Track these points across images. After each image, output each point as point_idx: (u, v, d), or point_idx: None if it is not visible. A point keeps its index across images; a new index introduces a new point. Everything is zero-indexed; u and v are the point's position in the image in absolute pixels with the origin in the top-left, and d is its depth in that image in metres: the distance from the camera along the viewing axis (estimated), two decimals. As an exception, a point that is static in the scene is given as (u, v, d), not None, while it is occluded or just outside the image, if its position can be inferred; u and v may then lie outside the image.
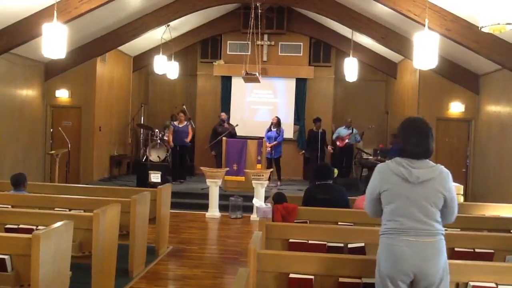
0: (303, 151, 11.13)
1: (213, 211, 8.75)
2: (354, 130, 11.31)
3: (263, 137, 10.69)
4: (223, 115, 11.42)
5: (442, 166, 2.93)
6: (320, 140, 10.75)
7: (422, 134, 2.89)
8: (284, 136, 11.24)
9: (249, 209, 8.49)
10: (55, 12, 6.08)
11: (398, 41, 9.36)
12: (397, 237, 2.84)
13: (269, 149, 10.63)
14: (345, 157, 11.31)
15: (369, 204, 3.06)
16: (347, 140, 11.22)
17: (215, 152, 11.00)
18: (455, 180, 7.10)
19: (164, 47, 11.35)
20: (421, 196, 2.83)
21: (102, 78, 10.98)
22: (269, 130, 10.94)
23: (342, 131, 11.36)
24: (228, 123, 11.34)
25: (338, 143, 11.30)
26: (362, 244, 4.00)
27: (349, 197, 5.24)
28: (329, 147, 11.10)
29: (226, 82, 12.86)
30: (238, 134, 11.31)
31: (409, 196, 2.84)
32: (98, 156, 11.01)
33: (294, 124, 12.70)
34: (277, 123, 10.93)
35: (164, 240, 6.38)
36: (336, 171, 5.34)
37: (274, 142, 10.74)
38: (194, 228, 7.84)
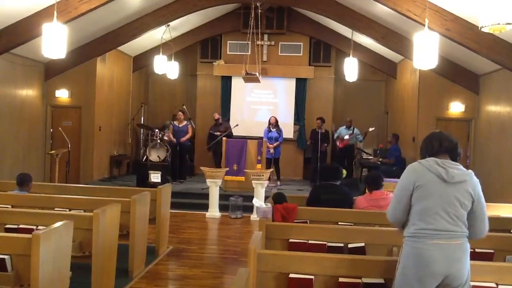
0: (325, 144, 11.05)
1: (213, 211, 8.75)
2: (356, 131, 11.24)
3: (263, 137, 10.67)
4: (216, 115, 11.43)
5: (473, 173, 2.98)
6: (321, 140, 10.75)
7: (455, 139, 3.09)
8: (284, 136, 11.25)
9: (249, 209, 8.49)
10: (55, 12, 6.08)
11: (398, 41, 9.35)
12: (427, 240, 2.84)
13: (272, 150, 10.62)
14: (346, 158, 11.29)
15: (397, 205, 2.98)
16: (348, 141, 11.18)
17: (212, 152, 11.06)
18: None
19: (164, 47, 11.35)
20: (453, 196, 2.85)
21: (102, 78, 10.97)
22: (269, 130, 10.92)
23: (343, 131, 11.33)
24: (224, 123, 11.33)
25: (338, 143, 11.28)
26: (362, 244, 4.00)
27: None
28: (323, 145, 11.05)
29: (226, 82, 12.86)
30: (238, 134, 11.31)
31: (442, 195, 2.85)
32: (98, 156, 11.01)
33: (294, 124, 12.70)
34: (276, 123, 10.92)
35: (164, 240, 6.38)
36: (344, 172, 5.34)
37: (276, 143, 10.73)
38: (194, 228, 7.84)
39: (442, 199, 2.85)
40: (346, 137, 11.14)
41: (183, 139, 10.86)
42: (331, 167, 5.35)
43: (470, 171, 2.97)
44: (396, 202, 3.00)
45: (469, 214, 2.90)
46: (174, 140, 10.80)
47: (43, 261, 3.27)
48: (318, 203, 4.91)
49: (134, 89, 12.99)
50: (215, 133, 10.92)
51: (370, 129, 11.20)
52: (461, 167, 2.95)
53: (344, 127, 11.44)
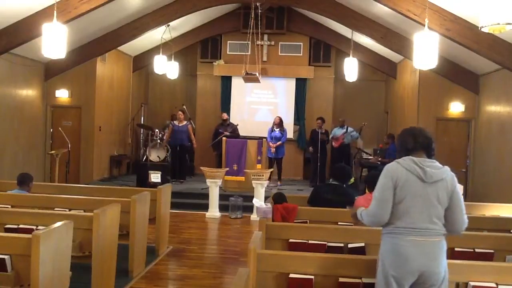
0: (310, 147, 11.06)
1: (213, 211, 8.75)
2: (349, 129, 11.26)
3: (263, 137, 10.68)
4: (225, 115, 11.44)
5: (449, 169, 2.97)
6: (321, 140, 10.75)
7: (429, 134, 3.03)
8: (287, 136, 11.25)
9: (249, 209, 8.49)
10: (55, 12, 6.08)
11: (398, 41, 9.35)
12: (403, 237, 2.85)
13: (273, 149, 10.62)
14: (342, 157, 11.29)
15: (379, 207, 2.91)
16: (342, 140, 11.18)
17: (218, 151, 11.02)
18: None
19: (164, 47, 11.35)
20: (432, 196, 2.86)
21: (102, 78, 10.97)
22: (272, 130, 10.93)
23: (337, 131, 11.35)
24: (232, 124, 11.33)
25: (333, 143, 11.30)
26: (362, 244, 4.00)
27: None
28: (310, 148, 11.05)
29: (226, 82, 12.86)
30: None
31: (422, 194, 2.86)
32: (98, 156, 11.01)
33: (294, 124, 12.70)
34: (279, 123, 10.93)
35: (164, 240, 6.38)
36: (352, 180, 5.34)
37: (278, 143, 10.73)
38: (194, 228, 7.84)
39: (422, 198, 2.86)
40: (338, 133, 11.17)
41: (194, 143, 10.96)
42: (341, 167, 5.33)
43: (446, 167, 2.95)
44: (377, 204, 2.93)
45: (447, 209, 2.90)
46: (165, 143, 10.85)
47: (43, 261, 3.27)
48: (319, 201, 4.90)
49: (134, 89, 12.99)
50: (225, 132, 10.86)
51: (364, 124, 11.24)
52: (437, 164, 2.94)
53: (338, 127, 11.46)
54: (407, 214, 2.87)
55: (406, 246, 2.83)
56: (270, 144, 10.58)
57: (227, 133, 10.83)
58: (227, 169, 9.64)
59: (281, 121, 10.97)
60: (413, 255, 2.81)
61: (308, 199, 5.08)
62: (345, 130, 11.22)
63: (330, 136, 11.54)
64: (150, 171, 9.32)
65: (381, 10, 8.29)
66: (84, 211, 5.03)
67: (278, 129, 10.87)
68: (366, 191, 5.13)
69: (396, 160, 2.98)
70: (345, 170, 5.17)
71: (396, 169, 2.93)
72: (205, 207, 8.83)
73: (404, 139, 3.02)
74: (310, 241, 4.01)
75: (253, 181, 8.70)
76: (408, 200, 2.87)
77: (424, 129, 3.07)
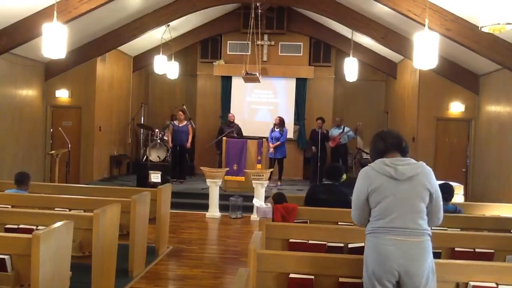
0: (313, 147, 11.05)
1: (213, 211, 8.75)
2: (346, 129, 11.27)
3: (263, 137, 10.67)
4: (232, 116, 11.42)
5: (424, 163, 2.96)
6: (321, 140, 10.75)
7: (397, 133, 3.08)
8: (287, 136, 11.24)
9: (249, 209, 8.49)
10: (55, 12, 6.08)
11: (398, 41, 9.35)
12: (384, 236, 2.85)
13: (272, 149, 10.62)
14: (340, 157, 11.29)
15: (357, 210, 3.03)
16: (339, 140, 11.18)
17: (220, 150, 11.01)
18: (455, 180, 7.10)
19: (164, 47, 11.35)
20: (408, 193, 2.86)
21: (102, 78, 10.97)
22: (273, 130, 10.94)
23: (334, 131, 11.36)
24: (237, 126, 11.33)
25: (330, 143, 11.30)
26: (362, 244, 3.98)
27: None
28: (313, 148, 11.04)
29: (226, 82, 12.85)
30: (237, 134, 11.32)
31: (396, 193, 2.86)
32: (98, 156, 11.01)
33: (294, 124, 12.70)
34: (280, 123, 10.92)
35: (164, 240, 6.38)
36: (344, 176, 5.37)
37: (277, 143, 10.73)
38: (194, 228, 7.84)
39: (397, 197, 2.86)
40: (335, 133, 11.18)
41: (188, 144, 10.90)
42: (334, 166, 5.38)
43: (421, 162, 2.96)
44: (355, 208, 3.04)
45: (428, 205, 2.90)
46: (171, 144, 10.83)
47: (43, 261, 3.27)
48: (315, 202, 4.91)
49: (134, 89, 12.99)
50: (230, 133, 10.83)
51: (359, 124, 11.30)
52: (412, 161, 2.94)
53: (335, 127, 11.46)
54: (385, 214, 2.87)
55: (386, 245, 2.82)
56: (270, 144, 10.58)
57: (234, 134, 10.81)
58: (227, 169, 9.64)
59: (281, 121, 10.96)
60: (392, 255, 2.80)
61: (304, 200, 5.08)
62: (341, 130, 11.24)
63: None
64: (150, 171, 9.32)
65: (381, 10, 8.29)
66: (84, 211, 5.02)
67: (278, 129, 10.87)
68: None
69: (369, 164, 3.01)
70: (338, 169, 5.19)
71: (368, 174, 2.96)
72: (205, 207, 8.83)
73: (375, 143, 3.06)
74: (310, 241, 4.00)
75: (253, 181, 8.71)
76: (384, 202, 2.88)
77: (392, 130, 3.13)
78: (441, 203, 2.97)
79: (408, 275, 2.78)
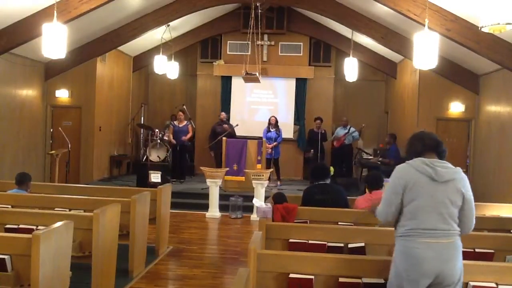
0: (311, 150, 11.06)
1: (213, 211, 8.75)
2: (351, 129, 11.27)
3: (263, 138, 10.67)
4: (223, 114, 11.42)
5: (461, 169, 2.99)
6: (320, 140, 10.74)
7: (436, 136, 3.10)
8: (284, 136, 11.23)
9: (249, 209, 8.49)
10: (55, 12, 6.08)
11: (398, 41, 9.35)
12: (417, 239, 2.84)
13: (270, 150, 10.61)
14: (344, 157, 11.28)
15: (387, 206, 2.97)
16: (343, 140, 11.19)
17: (214, 152, 10.99)
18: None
19: (164, 47, 11.35)
20: (444, 195, 2.86)
21: (102, 78, 10.97)
22: (268, 130, 10.92)
23: (340, 131, 11.37)
24: (228, 123, 11.33)
25: (335, 143, 11.30)
26: (362, 244, 4.00)
27: (349, 197, 5.24)
28: (311, 151, 11.03)
29: (226, 82, 12.85)
30: (238, 134, 11.30)
31: (433, 194, 2.86)
32: (98, 156, 11.01)
33: (294, 124, 12.70)
34: (276, 124, 10.92)
35: (164, 240, 6.38)
36: (332, 169, 5.36)
37: (275, 143, 10.72)
38: (194, 228, 7.84)
39: (433, 198, 2.86)
40: (341, 133, 11.19)
41: (185, 138, 10.85)
42: (320, 166, 5.36)
43: (458, 168, 2.98)
44: (387, 205, 2.99)
45: (461, 210, 2.92)
46: (174, 141, 10.81)
47: (43, 261, 3.27)
48: (312, 203, 4.90)
49: (134, 89, 12.99)
50: (221, 127, 10.80)
51: (363, 126, 11.35)
52: (449, 165, 2.96)
53: (341, 127, 11.47)
54: (417, 215, 2.86)
55: (419, 249, 2.82)
56: (267, 144, 10.54)
57: (226, 126, 10.78)
58: (227, 169, 9.64)
59: (276, 121, 10.96)
60: (427, 258, 2.80)
61: (301, 203, 5.06)
62: (347, 130, 11.23)
63: (332, 136, 11.55)
64: (150, 171, 9.31)
65: (381, 10, 8.29)
66: (84, 211, 5.02)
67: (274, 129, 10.86)
68: (366, 191, 5.14)
69: (407, 162, 2.99)
70: (323, 168, 5.19)
71: (406, 170, 2.94)
72: (205, 207, 8.83)
73: (413, 143, 3.06)
74: (310, 241, 4.00)
75: (253, 181, 8.70)
76: (418, 200, 2.87)
77: (432, 133, 3.14)
78: (474, 211, 2.97)
79: (443, 276, 2.80)
